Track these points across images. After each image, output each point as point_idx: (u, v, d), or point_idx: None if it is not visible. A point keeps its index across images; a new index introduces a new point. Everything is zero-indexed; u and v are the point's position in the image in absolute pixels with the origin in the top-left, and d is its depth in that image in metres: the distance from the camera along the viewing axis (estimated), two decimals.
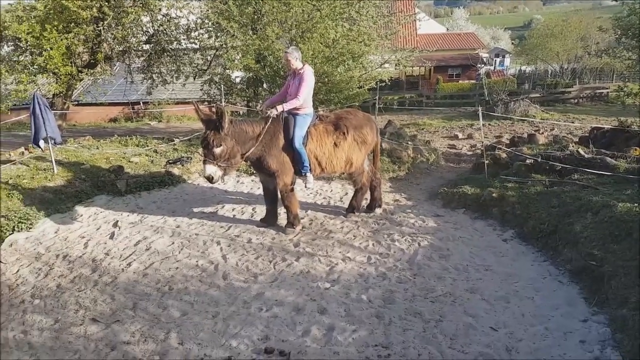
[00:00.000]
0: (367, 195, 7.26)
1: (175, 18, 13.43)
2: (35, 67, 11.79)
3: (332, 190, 8.48)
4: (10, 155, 9.28)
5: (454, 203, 7.53)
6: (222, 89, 13.66)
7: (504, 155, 9.16)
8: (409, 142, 11.18)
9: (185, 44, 14.19)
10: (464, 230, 6.45)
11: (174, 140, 11.36)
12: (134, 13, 11.92)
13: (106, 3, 11.61)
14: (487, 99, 26.13)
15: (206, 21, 13.61)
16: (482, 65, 40.66)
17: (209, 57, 15.12)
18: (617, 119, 13.39)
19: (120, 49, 13.59)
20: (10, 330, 4.10)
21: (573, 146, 8.96)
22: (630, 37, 18.45)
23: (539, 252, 5.58)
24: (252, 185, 8.89)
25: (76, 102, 18.65)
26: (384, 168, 9.45)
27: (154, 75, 14.73)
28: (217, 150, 5.60)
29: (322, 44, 11.80)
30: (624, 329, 3.67)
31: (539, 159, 7.82)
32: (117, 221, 6.86)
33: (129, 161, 9.55)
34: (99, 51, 12.74)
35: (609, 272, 4.39)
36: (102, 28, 11.94)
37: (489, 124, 18.61)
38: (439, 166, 10.88)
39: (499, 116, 18.13)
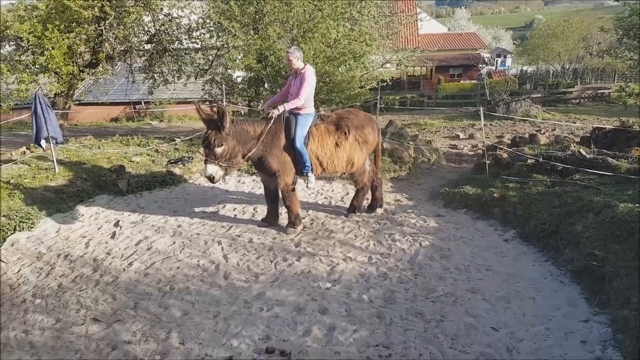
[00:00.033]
0: (368, 195, 7.25)
1: (176, 18, 13.43)
2: (36, 66, 11.80)
3: (333, 190, 8.48)
4: (11, 154, 9.30)
5: (455, 203, 7.52)
6: (224, 89, 13.67)
7: (505, 155, 9.15)
8: (410, 142, 11.18)
9: (186, 43, 14.19)
10: (465, 230, 6.45)
11: (175, 140, 11.37)
12: (135, 13, 11.92)
13: (108, 3, 11.62)
14: (488, 99, 26.13)
15: (208, 21, 13.61)
16: (484, 65, 40.62)
17: (210, 57, 15.13)
18: (619, 119, 13.39)
19: (122, 48, 13.60)
20: (11, 330, 4.11)
21: (574, 146, 8.94)
22: (632, 38, 18.46)
23: (540, 252, 5.57)
24: (254, 185, 8.89)
25: (77, 102, 18.61)
26: (385, 168, 9.45)
27: (155, 75, 14.74)
28: (219, 150, 5.60)
29: (323, 43, 11.80)
30: (625, 329, 3.66)
31: (541, 159, 7.82)
32: (119, 221, 6.87)
33: (131, 161, 9.56)
34: (101, 51, 12.75)
35: (610, 273, 4.38)
36: (103, 27, 11.95)
37: (491, 124, 18.59)
38: (440, 166, 10.87)
39: (500, 116, 18.11)
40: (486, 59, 42.95)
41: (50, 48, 11.09)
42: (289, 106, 5.96)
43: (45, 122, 7.95)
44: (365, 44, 13.00)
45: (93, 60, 13.03)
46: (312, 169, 6.20)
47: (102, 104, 20.03)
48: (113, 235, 6.35)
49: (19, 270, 5.33)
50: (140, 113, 24.71)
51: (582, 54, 39.32)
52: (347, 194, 8.15)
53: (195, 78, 15.34)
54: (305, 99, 5.99)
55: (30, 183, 7.56)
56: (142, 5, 12.37)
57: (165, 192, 8.50)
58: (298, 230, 6.37)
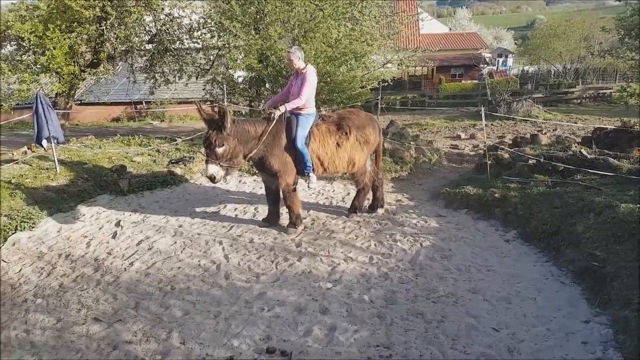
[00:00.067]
0: (369, 195, 7.25)
1: (177, 18, 13.45)
2: (38, 66, 11.82)
3: (334, 190, 8.48)
4: (13, 154, 9.30)
5: (456, 203, 7.52)
6: (225, 89, 13.68)
7: (506, 155, 9.14)
8: (412, 142, 11.17)
9: (187, 43, 14.20)
10: (466, 230, 6.44)
11: (176, 140, 11.38)
12: (136, 13, 11.93)
13: (109, 3, 11.63)
14: (489, 99, 26.09)
15: (209, 21, 13.62)
16: (485, 65, 40.58)
17: (211, 57, 15.14)
18: (620, 119, 13.38)
19: (123, 48, 13.61)
20: (12, 330, 4.11)
21: (576, 147, 8.94)
22: (634, 38, 18.43)
23: (541, 252, 5.57)
24: (255, 185, 8.89)
25: (79, 102, 18.64)
26: (386, 168, 9.45)
27: (156, 75, 14.75)
28: (220, 150, 5.60)
29: (324, 43, 11.80)
30: (626, 330, 3.66)
31: (542, 160, 7.81)
32: (120, 221, 6.88)
33: (132, 161, 9.56)
34: (102, 51, 12.76)
35: (611, 273, 4.37)
36: (104, 27, 11.96)
37: (492, 124, 18.56)
38: (441, 166, 10.87)
39: (501, 116, 18.09)
40: (487, 59, 42.92)
41: (52, 48, 11.11)
42: (290, 106, 5.96)
43: (47, 122, 7.95)
44: (367, 43, 13.00)
45: (94, 60, 13.05)
46: (313, 169, 6.20)
47: (104, 103, 20.06)
48: (114, 235, 6.36)
49: (20, 270, 5.34)
50: (142, 113, 24.72)
51: (584, 54, 39.27)
52: (348, 194, 8.15)
53: (197, 78, 15.35)
54: (306, 99, 5.99)
55: (31, 183, 7.57)
56: (143, 5, 12.38)
57: (166, 192, 8.51)
58: (299, 231, 6.37)
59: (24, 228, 6.35)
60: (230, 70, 14.76)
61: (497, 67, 44.63)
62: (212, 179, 5.72)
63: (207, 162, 5.69)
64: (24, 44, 11.76)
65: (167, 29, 13.55)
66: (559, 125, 17.25)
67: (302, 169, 6.18)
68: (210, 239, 6.17)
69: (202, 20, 13.67)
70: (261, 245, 5.94)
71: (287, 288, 4.76)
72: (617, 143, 8.92)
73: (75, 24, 11.55)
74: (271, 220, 6.67)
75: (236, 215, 7.21)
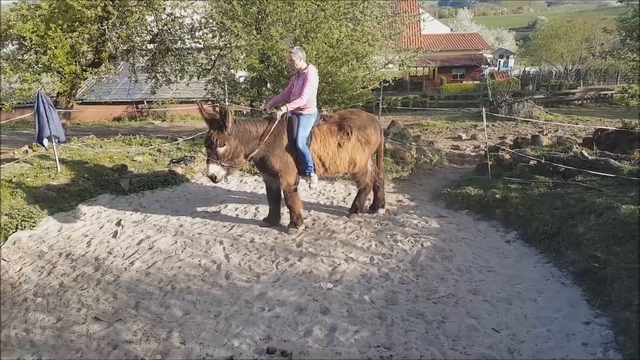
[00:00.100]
0: (370, 195, 7.25)
1: (179, 17, 13.45)
2: (39, 65, 11.83)
3: (335, 191, 8.48)
4: (14, 153, 9.31)
5: (457, 204, 7.52)
6: (226, 89, 13.68)
7: (507, 156, 9.14)
8: (413, 143, 11.17)
9: (189, 43, 14.20)
10: (467, 231, 6.44)
11: (177, 140, 11.38)
12: (138, 12, 11.94)
13: (111, 2, 11.64)
14: (491, 99, 26.08)
15: (210, 21, 13.62)
16: (486, 66, 40.56)
17: (213, 57, 15.13)
18: (621, 120, 13.37)
19: (125, 48, 13.62)
20: (12, 329, 4.12)
21: (577, 148, 8.92)
22: (635, 39, 18.40)
23: (542, 253, 5.56)
24: (256, 184, 8.89)
25: (80, 101, 18.64)
26: (387, 168, 9.44)
27: (158, 75, 14.75)
28: (221, 150, 5.60)
29: (326, 44, 11.79)
30: (626, 331, 3.65)
31: (543, 161, 7.80)
32: (120, 220, 6.88)
33: (133, 160, 9.57)
34: (103, 50, 12.77)
35: (612, 275, 4.37)
36: (106, 27, 11.97)
37: (493, 125, 18.57)
38: (442, 167, 10.86)
39: (502, 117, 18.08)
40: (489, 60, 42.92)
41: (53, 47, 11.12)
42: (291, 106, 5.96)
43: (48, 121, 7.96)
44: (368, 44, 12.99)
45: (96, 60, 13.05)
46: (314, 169, 6.20)
47: (105, 103, 20.04)
48: (115, 235, 6.36)
49: (21, 269, 5.34)
50: (143, 112, 24.73)
51: (585, 55, 39.19)
52: (349, 194, 8.14)
53: (198, 78, 15.35)
54: (307, 99, 5.99)
55: (32, 182, 7.57)
56: (145, 5, 12.38)
57: (167, 191, 8.51)
58: (300, 231, 6.37)
59: (25, 227, 6.36)
60: (231, 70, 14.76)
61: (499, 67, 44.61)
62: (213, 178, 5.72)
63: (208, 161, 5.69)
64: (26, 43, 11.77)
65: (169, 29, 13.56)
66: (560, 126, 17.24)
67: (303, 169, 6.18)
68: (211, 238, 6.17)
69: (203, 20, 13.66)
70: (262, 245, 5.94)
71: (287, 288, 4.76)
72: (618, 144, 8.91)
73: (77, 23, 11.56)
74: (272, 220, 6.67)
75: (237, 215, 7.21)
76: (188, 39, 13.94)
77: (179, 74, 14.63)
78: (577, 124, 17.91)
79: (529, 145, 10.47)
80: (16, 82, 11.92)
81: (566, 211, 5.89)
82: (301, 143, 6.00)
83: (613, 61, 30.08)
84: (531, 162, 8.03)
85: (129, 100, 23.39)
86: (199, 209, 7.44)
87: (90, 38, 12.34)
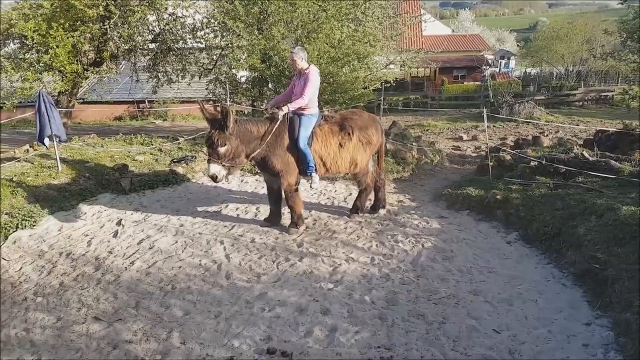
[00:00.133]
0: (371, 195, 7.25)
1: (181, 17, 13.45)
2: (41, 64, 11.83)
3: (336, 191, 8.48)
4: (15, 152, 9.31)
5: (458, 204, 7.51)
6: (228, 89, 13.68)
7: (508, 157, 9.13)
8: (414, 143, 11.16)
9: (191, 43, 14.21)
10: (468, 232, 6.43)
11: (178, 139, 11.38)
12: (140, 12, 11.94)
13: (112, 2, 11.64)
14: (492, 100, 26.06)
15: (212, 20, 13.62)
16: (487, 67, 40.56)
17: (214, 57, 15.13)
18: (622, 122, 13.36)
19: (126, 47, 13.63)
20: (12, 328, 4.11)
21: (577, 149, 8.93)
22: (636, 40, 18.39)
23: (543, 254, 5.56)
24: (256, 184, 8.89)
25: (81, 100, 18.66)
26: (388, 169, 9.43)
27: (159, 74, 14.76)
28: (222, 150, 5.60)
29: (327, 44, 11.79)
30: (627, 332, 3.65)
31: (544, 162, 7.80)
32: (121, 219, 6.88)
33: (134, 160, 9.56)
34: (105, 49, 12.77)
35: (612, 276, 4.37)
36: (108, 26, 11.96)
37: (494, 126, 18.57)
38: (443, 167, 10.85)
39: (503, 118, 18.07)
40: (490, 61, 42.91)
41: (55, 46, 11.12)
42: (293, 106, 5.96)
43: (49, 121, 7.97)
44: (369, 44, 12.98)
45: (97, 59, 13.06)
46: (315, 170, 6.20)
47: (106, 102, 20.02)
48: (115, 234, 6.36)
49: (21, 268, 5.34)
50: (144, 112, 24.73)
51: (586, 56, 39.21)
52: (350, 194, 8.14)
53: (199, 77, 15.36)
54: (309, 99, 5.99)
55: (33, 181, 7.57)
56: (147, 4, 12.38)
57: (168, 191, 8.51)
58: (300, 231, 6.37)
59: (25, 226, 6.36)
60: (233, 70, 14.77)
61: (500, 69, 44.55)
62: (214, 178, 5.72)
63: (209, 161, 5.69)
64: (27, 42, 11.78)
65: (171, 29, 13.56)
66: (561, 128, 17.22)
67: (304, 169, 6.17)
68: (211, 238, 6.17)
69: (205, 20, 13.67)
70: (262, 245, 5.94)
71: (288, 288, 4.76)
72: (618, 145, 8.91)
73: (79, 22, 11.56)
74: (273, 220, 6.67)
75: (238, 214, 7.21)
76: (190, 38, 13.95)
77: (180, 73, 14.63)
78: (577, 125, 17.90)
79: (530, 146, 10.47)
80: (17, 81, 11.92)
81: (567, 212, 5.89)
82: (302, 143, 6.00)
83: (614, 63, 30.10)
84: (532, 163, 8.03)
85: (131, 100, 23.42)
86: (199, 209, 7.44)
87: (92, 37, 12.34)
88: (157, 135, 12.42)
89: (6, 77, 11.96)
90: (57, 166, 8.21)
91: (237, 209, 7.43)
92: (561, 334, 3.85)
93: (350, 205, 7.35)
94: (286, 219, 6.65)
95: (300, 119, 6.06)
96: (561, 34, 39.35)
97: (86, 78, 13.35)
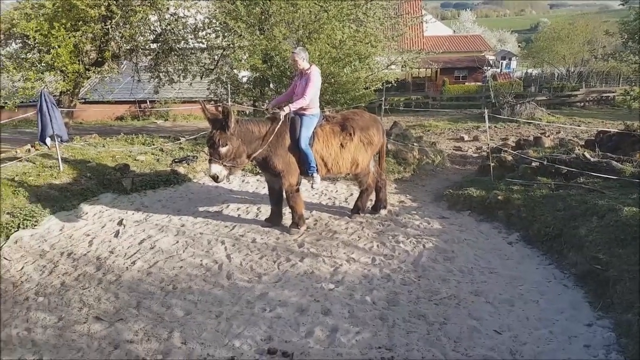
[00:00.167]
0: (372, 196, 7.25)
1: (183, 17, 13.45)
2: (42, 64, 11.84)
3: (337, 191, 8.48)
4: (16, 152, 9.32)
5: (459, 205, 7.50)
6: (229, 89, 13.68)
7: (509, 157, 9.13)
8: (415, 144, 11.16)
9: (192, 43, 14.20)
10: (469, 232, 6.43)
11: (180, 139, 11.38)
12: (142, 12, 11.94)
13: (114, 2, 11.65)
14: (493, 101, 26.03)
15: (214, 21, 13.63)
16: (489, 67, 40.54)
17: (216, 57, 15.13)
18: (624, 122, 13.36)
19: (128, 47, 13.63)
20: (13, 328, 4.12)
21: (579, 149, 8.92)
22: (637, 41, 18.34)
23: (544, 255, 5.55)
24: (257, 184, 8.89)
25: (83, 100, 18.68)
26: (389, 169, 9.43)
27: (161, 74, 14.76)
28: (223, 150, 5.61)
29: (329, 44, 11.79)
30: (629, 333, 3.65)
31: (545, 162, 7.80)
32: (122, 219, 6.89)
33: (135, 159, 9.57)
34: (107, 49, 12.78)
35: (614, 277, 4.36)
36: (110, 26, 11.97)
37: (495, 127, 18.56)
38: (444, 168, 10.84)
39: (505, 119, 18.05)
40: (491, 62, 42.86)
41: (57, 46, 11.12)
42: (294, 106, 5.97)
43: (51, 120, 7.98)
44: (371, 45, 12.98)
45: (99, 59, 13.06)
46: (317, 170, 6.20)
47: (108, 102, 20.03)
48: (117, 234, 6.37)
49: (22, 268, 5.35)
50: (146, 112, 24.72)
51: (587, 57, 39.19)
52: (351, 194, 8.14)
53: (201, 77, 15.36)
54: (310, 99, 5.99)
55: (34, 181, 7.58)
56: (149, 4, 12.39)
57: (169, 191, 8.51)
58: (301, 231, 6.37)
59: (27, 226, 6.36)
60: (234, 70, 14.76)
61: (501, 69, 44.52)
62: (215, 178, 5.72)
63: (210, 161, 5.70)
64: (29, 42, 11.78)
65: (172, 29, 13.56)
66: (562, 128, 17.22)
67: (305, 169, 6.17)
68: (212, 238, 6.17)
69: (207, 20, 13.67)
70: (263, 245, 5.94)
71: (289, 288, 4.76)
72: (620, 146, 8.91)
73: (81, 22, 11.57)
74: (274, 220, 6.67)
75: (239, 215, 7.21)
76: (191, 38, 13.94)
77: (182, 73, 14.63)
78: (579, 125, 17.88)
79: (531, 146, 10.46)
80: (19, 80, 11.92)
81: (568, 213, 5.88)
82: (304, 143, 6.00)
83: (615, 63, 30.03)
84: (533, 164, 8.02)
85: (132, 100, 23.43)
86: (200, 209, 7.44)
87: (94, 37, 12.35)
88: (158, 135, 12.43)
89: (8, 76, 11.96)
90: (59, 166, 8.21)
91: (238, 209, 7.43)
92: (562, 334, 3.85)
93: (351, 206, 7.35)
94: (287, 219, 6.65)
95: (301, 119, 6.06)
96: (562, 35, 39.33)
97: (88, 78, 13.35)
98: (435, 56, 20.99)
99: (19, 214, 6.46)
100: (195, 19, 13.63)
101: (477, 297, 4.56)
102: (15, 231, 6.21)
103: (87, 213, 7.17)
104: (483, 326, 4.02)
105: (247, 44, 12.89)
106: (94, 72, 12.79)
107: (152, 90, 16.57)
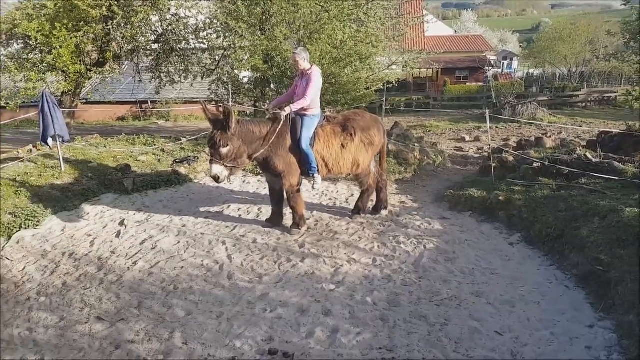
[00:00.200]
0: (373, 196, 7.25)
1: (184, 18, 13.45)
2: (44, 65, 11.85)
3: (338, 192, 8.48)
4: (18, 152, 9.34)
5: (460, 206, 7.50)
6: (230, 89, 13.69)
7: (511, 158, 9.12)
8: (416, 144, 11.15)
9: (193, 43, 14.21)
10: (470, 233, 6.42)
11: (181, 140, 11.39)
12: (143, 12, 11.95)
13: (116, 2, 11.66)
14: (494, 101, 26.01)
15: (215, 21, 13.63)
16: (490, 67, 40.51)
17: (217, 57, 15.14)
18: (625, 123, 13.33)
19: (129, 48, 13.64)
20: (15, 328, 4.13)
21: (581, 150, 8.91)
22: (639, 41, 18.32)
23: (546, 256, 5.55)
24: (258, 185, 8.90)
25: (84, 101, 18.66)
26: (390, 170, 9.43)
27: (162, 75, 14.76)
28: (224, 150, 5.61)
29: (330, 45, 11.80)
30: (630, 335, 3.64)
31: (547, 163, 7.79)
32: (124, 220, 6.89)
33: (136, 160, 9.58)
34: (108, 50, 12.79)
35: (615, 278, 4.36)
36: (111, 27, 11.98)
37: (496, 127, 18.54)
38: (445, 168, 10.84)
39: (506, 119, 18.04)
40: (492, 62, 42.84)
41: (58, 47, 11.13)
42: (295, 107, 5.97)
43: (52, 121, 7.99)
44: (372, 45, 12.99)
45: (100, 59, 13.07)
46: (318, 170, 6.20)
47: (109, 102, 20.01)
48: (118, 234, 6.38)
49: (24, 268, 5.36)
50: (147, 112, 24.74)
51: (589, 57, 39.11)
52: (352, 195, 8.14)
53: (202, 78, 15.37)
54: (311, 99, 5.99)
55: (36, 181, 7.59)
56: (150, 5, 12.40)
57: (170, 191, 8.52)
58: (302, 231, 6.37)
59: (29, 226, 6.38)
60: (235, 71, 14.78)
61: (502, 69, 44.53)
62: (216, 178, 5.73)
63: (211, 162, 5.70)
64: (31, 42, 11.79)
65: (173, 29, 13.56)
66: (564, 129, 17.20)
67: (306, 170, 6.18)
68: (213, 238, 6.17)
69: (208, 21, 13.67)
70: (264, 245, 5.94)
71: (289, 289, 4.76)
72: (622, 147, 8.90)
73: (82, 23, 11.58)
74: (275, 220, 6.67)
75: (240, 215, 7.21)
76: (192, 39, 13.95)
77: (183, 74, 14.64)
78: (580, 126, 17.86)
79: (533, 147, 10.45)
80: (21, 81, 11.93)
81: (570, 214, 5.88)
82: (305, 144, 6.01)
83: (617, 64, 29.97)
84: (535, 165, 8.01)
85: (133, 100, 23.46)
86: (201, 209, 7.45)
87: (95, 38, 12.36)
88: (159, 136, 12.44)
89: (10, 77, 11.98)
90: (60, 166, 8.23)
91: (239, 210, 7.44)
92: (564, 336, 3.84)
93: (352, 206, 7.35)
94: (288, 219, 6.66)
95: (302, 120, 6.06)
96: (564, 35, 39.28)
97: (89, 78, 13.36)
98: (437, 56, 21.00)
99: (20, 214, 6.47)
100: (197, 20, 13.63)
101: (478, 298, 4.56)
102: (17, 231, 6.22)
103: (88, 213, 7.18)
104: (484, 327, 4.01)
105: (248, 44, 12.91)
106: (95, 72, 12.80)
107: (153, 90, 16.57)
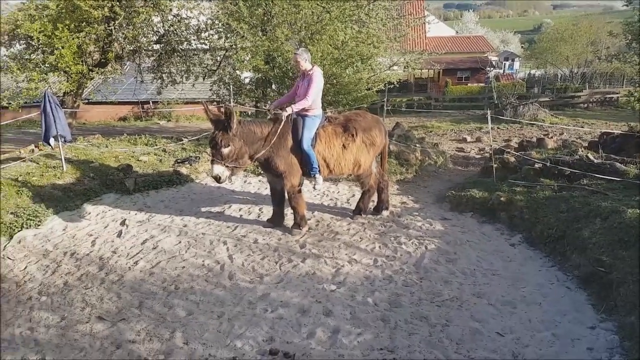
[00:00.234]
0: (374, 197, 7.24)
1: (185, 18, 13.48)
2: (46, 65, 11.87)
3: (339, 192, 8.48)
4: (20, 152, 9.35)
5: (461, 206, 7.49)
6: (231, 90, 13.70)
7: (512, 159, 9.11)
8: (417, 145, 11.15)
9: (195, 44, 14.23)
10: (472, 234, 6.42)
11: (182, 140, 11.40)
12: (145, 13, 11.97)
13: (117, 3, 11.68)
14: (496, 102, 26.02)
15: (216, 22, 13.64)
16: (491, 68, 40.48)
17: (218, 58, 15.16)
18: (627, 124, 13.31)
19: (131, 48, 13.65)
20: (16, 327, 4.13)
21: (582, 151, 8.90)
22: None
23: (547, 257, 5.54)
24: (260, 185, 8.90)
25: (86, 101, 18.68)
26: (391, 170, 9.43)
27: (163, 75, 14.79)
28: (225, 151, 5.61)
29: (331, 45, 11.79)
30: (632, 336, 3.63)
31: (548, 164, 7.78)
32: (125, 220, 6.90)
33: (138, 160, 9.59)
34: (110, 50, 12.81)
35: (617, 279, 4.35)
36: (113, 27, 12.00)
37: (498, 128, 18.53)
38: (446, 169, 10.84)
39: (507, 120, 18.02)
40: (494, 62, 42.81)
41: (60, 47, 11.16)
42: (296, 107, 5.97)
43: (54, 121, 8.01)
44: (373, 46, 12.97)
45: (102, 60, 13.09)
46: (319, 171, 6.20)
47: (111, 103, 20.09)
48: (119, 234, 6.38)
49: (26, 268, 5.36)
50: (148, 113, 24.77)
51: (591, 58, 39.06)
52: (353, 195, 8.14)
53: (204, 78, 15.38)
54: (312, 100, 5.99)
55: (38, 181, 7.60)
56: (152, 5, 12.42)
57: (171, 191, 8.53)
58: (303, 232, 6.37)
59: (30, 226, 6.39)
60: (237, 71, 14.78)
61: (504, 70, 44.55)
62: (217, 179, 5.73)
63: (212, 162, 5.70)
64: (33, 43, 11.83)
65: (175, 30, 13.59)
66: (566, 130, 17.18)
67: (308, 170, 6.18)
68: (214, 239, 6.17)
69: (209, 22, 13.69)
70: (265, 245, 5.94)
71: (290, 289, 4.76)
72: (624, 148, 8.88)
73: (84, 23, 11.60)
74: (276, 221, 6.67)
75: (241, 215, 7.21)
76: (194, 40, 13.97)
77: (184, 74, 14.67)
78: (582, 127, 17.84)
79: (534, 148, 10.44)
80: (23, 81, 11.96)
81: (571, 215, 5.87)
82: (306, 144, 6.01)
83: (619, 64, 29.97)
84: (536, 165, 8.01)
85: (135, 101, 23.45)
86: (203, 209, 7.45)
87: (97, 38, 12.38)
88: (161, 136, 12.46)
89: (12, 77, 12.00)
90: (62, 166, 8.24)
91: (240, 210, 7.44)
92: (565, 337, 3.84)
93: (353, 207, 7.35)
94: (289, 220, 6.66)
95: (303, 120, 6.06)
96: (566, 36, 39.26)
97: (91, 79, 13.40)
98: (438, 57, 20.99)
99: (22, 214, 6.48)
100: (198, 20, 13.66)
101: (479, 299, 4.55)
102: (19, 231, 6.23)
103: (90, 213, 7.19)
104: (485, 328, 4.01)
105: (249, 45, 12.90)
106: (97, 72, 12.82)
107: (155, 91, 16.58)
